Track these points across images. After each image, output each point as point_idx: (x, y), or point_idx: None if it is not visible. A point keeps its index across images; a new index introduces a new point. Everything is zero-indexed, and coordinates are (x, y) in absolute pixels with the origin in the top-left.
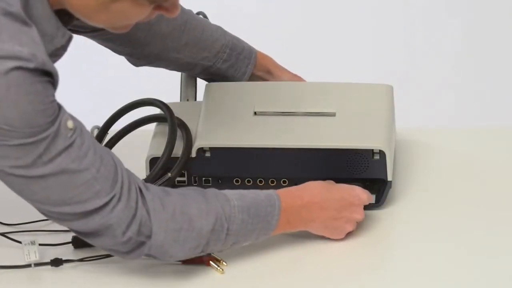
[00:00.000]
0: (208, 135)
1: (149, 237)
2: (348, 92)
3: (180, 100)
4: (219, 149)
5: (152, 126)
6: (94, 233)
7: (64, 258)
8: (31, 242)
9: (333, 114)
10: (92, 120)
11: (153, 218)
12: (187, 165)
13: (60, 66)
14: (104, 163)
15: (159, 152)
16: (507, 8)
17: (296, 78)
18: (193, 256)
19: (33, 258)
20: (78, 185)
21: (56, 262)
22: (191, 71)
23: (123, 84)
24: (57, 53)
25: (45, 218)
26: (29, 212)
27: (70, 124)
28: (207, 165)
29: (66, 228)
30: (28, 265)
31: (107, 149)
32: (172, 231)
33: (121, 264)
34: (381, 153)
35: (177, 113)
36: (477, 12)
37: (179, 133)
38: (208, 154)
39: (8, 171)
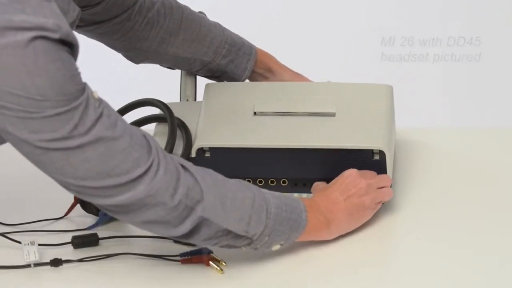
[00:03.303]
0: (208, 135)
1: (200, 201)
2: (348, 92)
3: (180, 100)
4: (219, 149)
5: (152, 126)
6: (143, 206)
7: (63, 258)
8: (30, 242)
9: (333, 114)
10: None
11: (200, 181)
12: None
13: None
14: (134, 132)
15: None
16: (507, 8)
17: (297, 76)
18: (240, 230)
19: (33, 258)
20: (116, 153)
21: (56, 262)
22: (191, 67)
23: (123, 84)
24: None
25: (45, 218)
26: (29, 212)
27: (96, 95)
28: (207, 165)
29: (66, 228)
30: (28, 265)
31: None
32: (219, 196)
33: (121, 264)
34: (381, 153)
35: (177, 113)
36: (477, 12)
37: (179, 133)
38: (208, 154)
39: (46, 146)
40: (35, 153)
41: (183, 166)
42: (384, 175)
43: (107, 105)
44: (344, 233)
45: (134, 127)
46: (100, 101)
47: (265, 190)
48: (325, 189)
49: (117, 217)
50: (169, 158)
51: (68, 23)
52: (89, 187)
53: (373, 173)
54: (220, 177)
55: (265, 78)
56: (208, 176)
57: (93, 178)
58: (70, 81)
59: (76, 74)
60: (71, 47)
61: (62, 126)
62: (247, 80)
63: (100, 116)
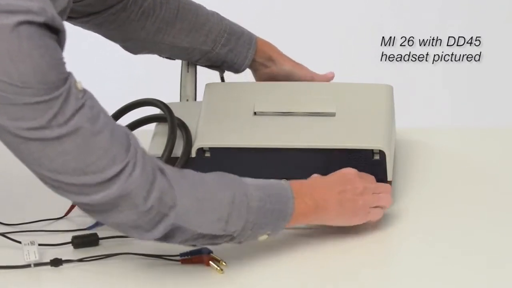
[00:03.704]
0: (208, 135)
1: (172, 207)
2: (348, 92)
3: (180, 100)
4: (219, 149)
5: (152, 126)
6: (115, 207)
7: (63, 258)
8: (30, 242)
9: (333, 114)
10: None
11: (175, 186)
12: (187, 165)
13: None
14: (116, 128)
15: (159, 152)
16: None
17: (298, 65)
18: (217, 231)
19: (33, 258)
20: (94, 148)
21: (56, 262)
22: (190, 57)
23: (123, 84)
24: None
25: (45, 218)
26: (29, 212)
27: (79, 85)
28: (207, 165)
29: (66, 228)
30: (28, 265)
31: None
32: (195, 200)
33: (121, 264)
34: (381, 153)
35: (177, 113)
36: (477, 11)
37: (179, 133)
38: (208, 154)
39: (25, 135)
40: (14, 142)
41: (160, 170)
42: (385, 184)
43: (91, 97)
44: (332, 224)
45: (118, 125)
46: (84, 92)
47: (249, 181)
48: (323, 177)
49: (92, 217)
50: (148, 160)
51: (56, 9)
52: (64, 183)
53: (372, 178)
54: (198, 178)
55: (265, 67)
56: (184, 181)
57: (69, 173)
58: (54, 70)
59: (60, 62)
60: (58, 34)
61: (41, 115)
62: (247, 81)
63: (81, 107)
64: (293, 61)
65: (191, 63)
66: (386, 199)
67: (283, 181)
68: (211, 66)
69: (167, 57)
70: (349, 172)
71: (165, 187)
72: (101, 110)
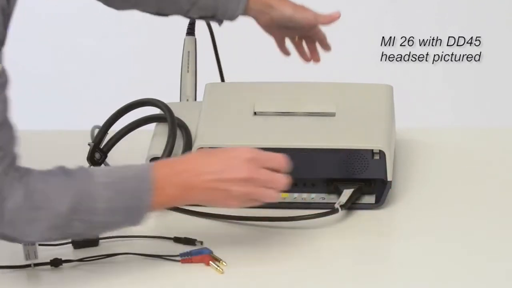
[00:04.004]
0: (208, 135)
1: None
2: (348, 92)
3: (180, 100)
4: None
5: (152, 126)
6: None
7: (63, 258)
8: (31, 242)
9: (333, 114)
10: (92, 120)
11: (7, 195)
12: None
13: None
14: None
15: (159, 152)
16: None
17: (299, 8)
18: (54, 238)
19: (33, 258)
20: None
21: (56, 262)
22: (178, 8)
23: (123, 84)
24: None
25: None
26: None
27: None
28: None
29: None
30: (28, 265)
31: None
32: (27, 209)
33: (120, 264)
34: (381, 153)
35: (177, 113)
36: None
37: (179, 133)
38: None
39: None
40: None
41: (5, 172)
42: (283, 176)
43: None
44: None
45: (10, 124)
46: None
47: (101, 179)
48: (204, 157)
49: None
50: (6, 165)
51: None
52: None
53: (277, 161)
54: (40, 182)
55: (265, 14)
56: (20, 188)
57: None
58: None
59: None
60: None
61: None
62: (247, 81)
63: None
64: (294, 4)
65: (191, 63)
66: (270, 195)
67: (147, 168)
68: (205, 17)
69: (156, 13)
70: (238, 156)
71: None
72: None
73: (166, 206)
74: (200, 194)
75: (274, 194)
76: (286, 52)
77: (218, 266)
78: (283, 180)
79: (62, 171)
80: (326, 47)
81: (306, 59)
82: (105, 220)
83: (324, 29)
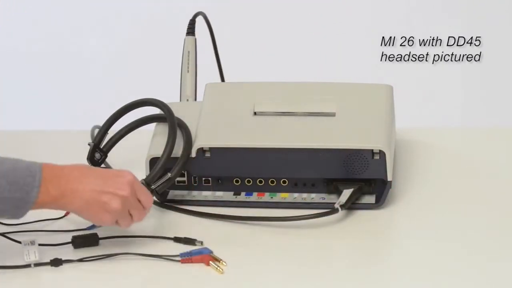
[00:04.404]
0: (208, 135)
1: None
2: (348, 92)
3: (180, 100)
4: (219, 149)
5: (152, 126)
6: None
7: (63, 258)
8: (30, 242)
9: (333, 114)
10: (92, 120)
11: None
12: (187, 165)
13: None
14: None
15: (159, 152)
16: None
17: None
18: None
19: (33, 258)
20: None
21: (56, 262)
22: None
23: (123, 84)
24: None
25: (45, 218)
26: (29, 212)
27: None
28: (207, 165)
29: (66, 228)
30: (28, 265)
31: None
32: None
33: (121, 264)
34: (381, 153)
35: (177, 113)
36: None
37: (179, 133)
38: (208, 154)
39: None
40: None
41: None
42: (143, 213)
43: None
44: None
45: None
46: None
47: None
48: (92, 169)
49: None
50: None
51: None
52: None
53: (147, 198)
54: None
55: None
56: None
57: None
58: None
59: None
60: None
61: None
62: (247, 80)
63: None
64: None
65: (191, 63)
66: (124, 223)
67: (38, 166)
68: None
69: None
70: (126, 176)
71: None
72: None
73: (47, 206)
74: (79, 201)
75: (130, 222)
76: None
77: (218, 266)
78: (143, 214)
79: None
80: None
81: None
82: None
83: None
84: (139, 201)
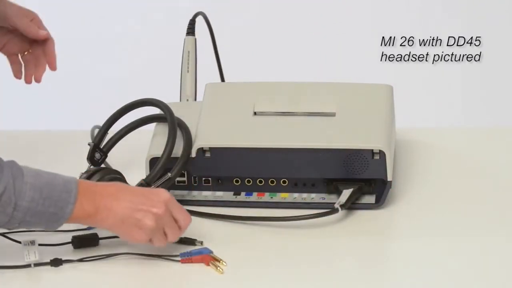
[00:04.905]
0: (208, 135)
1: None
2: (348, 92)
3: (180, 100)
4: (219, 149)
5: (152, 126)
6: None
7: (63, 258)
8: (30, 242)
9: (333, 114)
10: (92, 120)
11: None
12: (187, 165)
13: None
14: None
15: (159, 152)
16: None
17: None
18: None
19: (33, 258)
20: None
21: (56, 262)
22: None
23: (123, 84)
24: None
25: None
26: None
27: None
28: (207, 165)
29: (66, 228)
30: (28, 265)
31: None
32: None
33: (121, 264)
34: (381, 153)
35: (177, 113)
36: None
37: (179, 133)
38: (208, 154)
39: None
40: None
41: None
42: (186, 218)
43: None
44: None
45: None
46: None
47: (30, 179)
48: (127, 187)
49: None
50: None
51: None
52: None
53: (185, 218)
54: None
55: None
56: None
57: None
58: None
59: None
60: None
61: None
62: (247, 80)
63: None
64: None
65: (191, 63)
66: (159, 241)
67: (72, 181)
68: None
69: None
70: (162, 195)
71: None
72: None
73: (80, 221)
74: (113, 218)
75: (165, 241)
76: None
77: (218, 266)
78: (178, 234)
79: None
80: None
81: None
82: (24, 219)
83: (324, 28)
84: (176, 220)
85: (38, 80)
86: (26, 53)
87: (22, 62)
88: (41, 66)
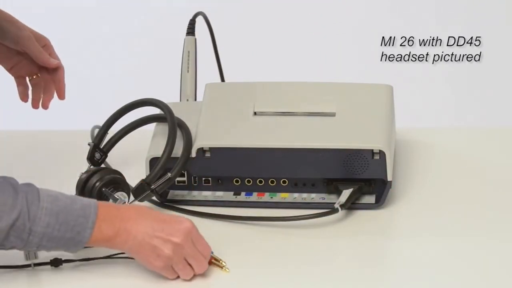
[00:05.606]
0: (208, 135)
1: None
2: (348, 92)
3: (180, 100)
4: (219, 149)
5: (152, 126)
6: None
7: (63, 258)
8: None
9: (333, 114)
10: (92, 120)
11: None
12: (187, 165)
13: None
14: None
15: (159, 152)
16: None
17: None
18: None
19: (33, 258)
20: None
21: (56, 262)
22: None
23: (123, 84)
24: None
25: None
26: None
27: None
28: (207, 165)
29: None
30: (28, 265)
31: None
32: None
33: (121, 264)
34: (381, 153)
35: (177, 113)
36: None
37: (179, 133)
38: (208, 154)
39: None
40: None
41: None
42: (204, 264)
43: None
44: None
45: None
46: None
47: (46, 204)
48: (148, 212)
49: None
50: None
51: None
52: None
53: (204, 248)
54: None
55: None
56: None
57: None
58: None
59: None
60: None
61: None
62: (247, 80)
63: None
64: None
65: (191, 63)
66: (185, 273)
67: (92, 206)
68: None
69: None
70: (185, 224)
71: None
72: None
73: (100, 244)
74: (132, 242)
75: (190, 273)
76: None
77: (224, 266)
78: (204, 265)
79: (12, 187)
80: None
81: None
82: (40, 243)
83: (324, 28)
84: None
85: (45, 107)
86: (34, 76)
87: (29, 85)
88: (49, 92)
